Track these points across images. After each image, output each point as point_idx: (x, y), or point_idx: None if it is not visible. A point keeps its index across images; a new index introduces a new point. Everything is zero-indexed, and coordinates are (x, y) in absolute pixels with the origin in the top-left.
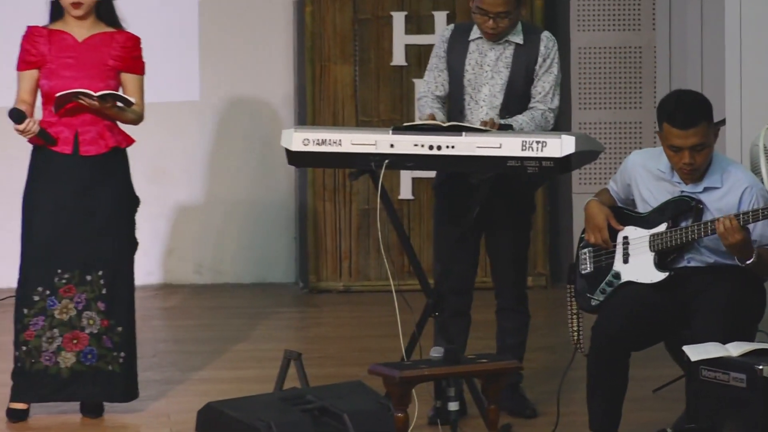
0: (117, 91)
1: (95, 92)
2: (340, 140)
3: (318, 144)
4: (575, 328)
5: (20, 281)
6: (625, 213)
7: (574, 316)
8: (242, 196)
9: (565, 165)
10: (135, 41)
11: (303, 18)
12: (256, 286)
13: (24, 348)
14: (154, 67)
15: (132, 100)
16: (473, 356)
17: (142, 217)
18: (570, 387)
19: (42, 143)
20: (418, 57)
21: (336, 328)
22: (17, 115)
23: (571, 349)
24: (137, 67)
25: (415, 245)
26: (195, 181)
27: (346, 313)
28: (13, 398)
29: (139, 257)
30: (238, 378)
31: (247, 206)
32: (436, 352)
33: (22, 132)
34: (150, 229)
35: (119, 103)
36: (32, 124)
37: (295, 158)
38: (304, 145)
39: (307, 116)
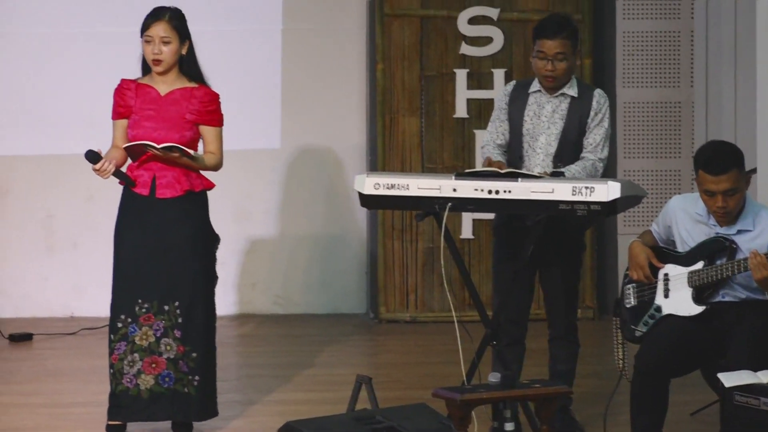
0: (195, 140)
1: (167, 143)
2: (407, 185)
3: (388, 188)
4: (620, 357)
5: (110, 309)
6: (665, 252)
7: (620, 346)
8: (319, 235)
9: (611, 208)
10: (212, 96)
11: (375, 75)
12: (330, 317)
13: (111, 371)
14: (241, 118)
15: (192, 152)
16: (527, 381)
17: (228, 253)
18: (615, 410)
19: (124, 184)
20: (479, 110)
21: (403, 355)
22: (92, 156)
23: (616, 375)
24: (214, 119)
25: (475, 280)
26: (276, 221)
27: (412, 342)
28: (109, 417)
29: (224, 289)
30: (313, 400)
31: (323, 244)
32: (494, 378)
33: (98, 171)
34: (235, 264)
35: (185, 157)
36: (107, 164)
37: (367, 201)
38: (375, 189)
39: (377, 163)
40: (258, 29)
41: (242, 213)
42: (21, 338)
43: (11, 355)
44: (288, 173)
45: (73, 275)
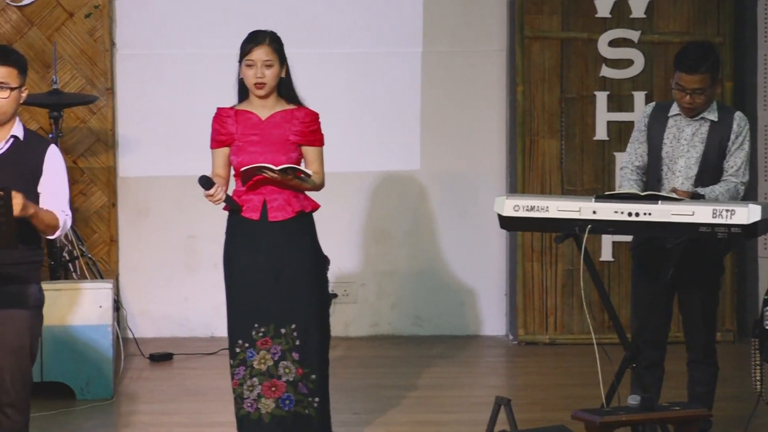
0: (299, 162)
1: (277, 166)
2: (547, 207)
3: (527, 210)
4: (758, 378)
5: (228, 335)
6: None
7: (758, 368)
8: (458, 257)
9: (751, 231)
10: (313, 117)
11: (515, 97)
12: (470, 338)
13: (233, 396)
14: (380, 139)
15: (309, 172)
16: (667, 404)
17: (367, 274)
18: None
19: (230, 209)
20: (619, 132)
21: (542, 377)
22: (206, 182)
23: (755, 398)
24: (316, 140)
25: (615, 303)
26: (416, 242)
27: (552, 364)
28: None
29: (363, 310)
30: (452, 421)
31: (463, 266)
32: (633, 400)
33: (210, 197)
34: (374, 285)
35: (302, 174)
36: (219, 191)
37: (507, 223)
38: (515, 211)
39: (517, 185)
40: (398, 52)
41: (382, 234)
42: (161, 358)
43: (152, 374)
44: (427, 195)
45: (214, 295)
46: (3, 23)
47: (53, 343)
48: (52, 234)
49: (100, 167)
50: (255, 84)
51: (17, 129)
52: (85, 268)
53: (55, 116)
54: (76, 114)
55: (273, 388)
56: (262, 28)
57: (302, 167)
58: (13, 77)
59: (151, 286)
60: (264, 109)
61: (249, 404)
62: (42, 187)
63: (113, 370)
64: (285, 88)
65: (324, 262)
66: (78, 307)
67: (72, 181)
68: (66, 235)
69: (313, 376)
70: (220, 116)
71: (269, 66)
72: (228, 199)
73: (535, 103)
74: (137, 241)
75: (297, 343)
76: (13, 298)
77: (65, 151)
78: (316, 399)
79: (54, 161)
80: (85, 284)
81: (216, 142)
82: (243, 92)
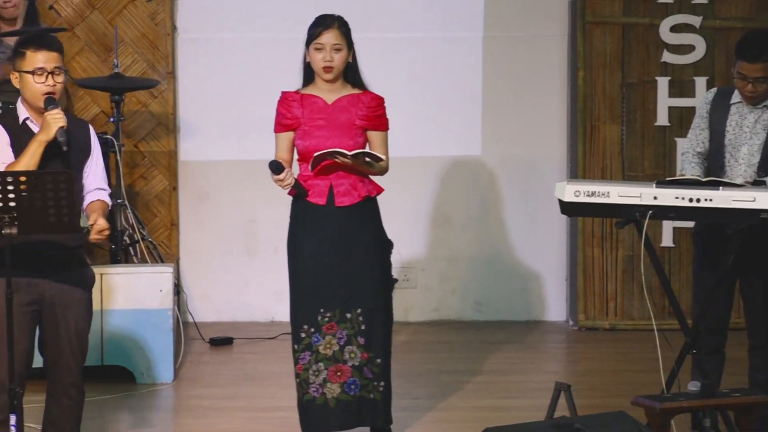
0: (364, 146)
1: (344, 150)
2: (608, 192)
3: (588, 195)
4: None
5: (291, 320)
6: None
7: None
8: (518, 242)
9: None
10: (379, 101)
11: (576, 83)
12: (530, 324)
13: (297, 381)
14: (442, 125)
15: (381, 156)
16: (727, 390)
17: (428, 259)
18: None
19: (296, 194)
20: (680, 118)
21: (602, 363)
22: (276, 167)
23: None
24: (381, 124)
25: (675, 289)
26: (475, 228)
27: (612, 349)
28: (302, 428)
29: (424, 295)
30: (512, 406)
31: (523, 251)
32: (694, 386)
33: (280, 182)
34: (435, 270)
35: (368, 159)
36: (289, 176)
37: (567, 208)
38: (576, 196)
39: (578, 170)
40: (459, 37)
41: (443, 219)
42: (222, 342)
43: (212, 359)
44: (488, 179)
45: (274, 280)
46: (65, 7)
47: (114, 327)
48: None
49: (161, 151)
50: (324, 67)
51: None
52: (145, 252)
53: (117, 100)
54: (137, 98)
55: (338, 373)
56: (327, 13)
57: (372, 152)
58: (61, 60)
59: (212, 271)
60: (330, 93)
61: (314, 389)
62: (89, 167)
63: (173, 354)
64: (351, 73)
65: (388, 246)
66: (138, 291)
67: (132, 165)
68: (127, 219)
69: (378, 360)
70: (286, 100)
71: (338, 50)
72: (296, 184)
73: (596, 89)
74: (198, 225)
75: (362, 327)
76: (77, 281)
77: (126, 135)
78: (381, 383)
79: (95, 140)
80: (145, 268)
81: (281, 126)
82: (308, 76)
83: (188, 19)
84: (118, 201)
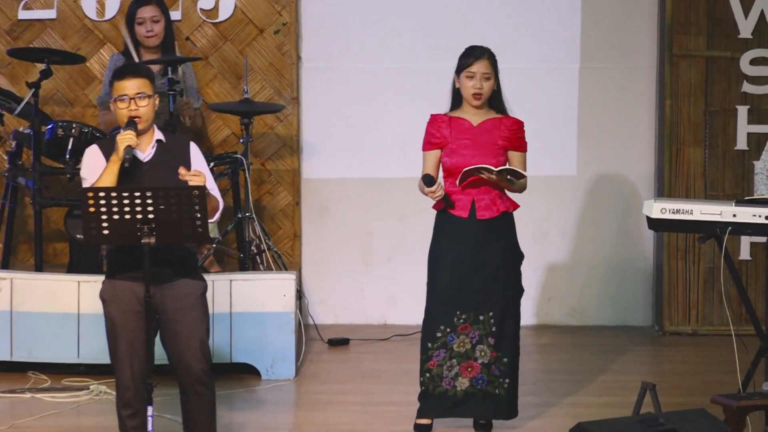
0: (506, 165)
1: (495, 167)
2: (691, 210)
3: (673, 213)
4: None
5: (425, 320)
6: None
7: None
8: (609, 255)
9: None
10: (519, 125)
11: (663, 109)
12: (618, 329)
13: (428, 375)
14: (540, 147)
15: (524, 173)
16: None
17: (528, 269)
18: None
19: (443, 207)
20: (758, 143)
21: (684, 365)
22: (429, 180)
23: None
24: (521, 146)
25: (751, 298)
26: (571, 241)
27: (693, 352)
28: (419, 415)
29: (525, 302)
30: (602, 403)
31: (613, 263)
32: (767, 387)
33: (431, 194)
34: (534, 279)
35: (509, 176)
36: (439, 189)
37: (654, 224)
38: (662, 213)
39: (664, 190)
40: (558, 68)
41: (541, 233)
42: (339, 343)
43: (330, 357)
44: (582, 198)
45: (387, 287)
46: (200, 38)
47: (241, 327)
48: (213, 216)
49: (286, 169)
50: (474, 94)
51: (158, 134)
52: (271, 261)
53: (246, 123)
54: (264, 121)
55: (469, 369)
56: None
57: (516, 169)
58: (147, 87)
59: (330, 278)
60: (476, 116)
61: (447, 382)
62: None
63: (295, 353)
64: (496, 100)
65: (520, 257)
66: (264, 296)
67: (260, 182)
68: (254, 231)
69: (505, 359)
70: (436, 121)
71: (487, 78)
72: (445, 197)
73: (681, 116)
74: (318, 236)
75: (493, 329)
76: (189, 288)
77: (254, 155)
78: (507, 380)
79: (197, 153)
80: (270, 275)
81: (430, 144)
82: (457, 100)
83: (311, 49)
84: (246, 214)
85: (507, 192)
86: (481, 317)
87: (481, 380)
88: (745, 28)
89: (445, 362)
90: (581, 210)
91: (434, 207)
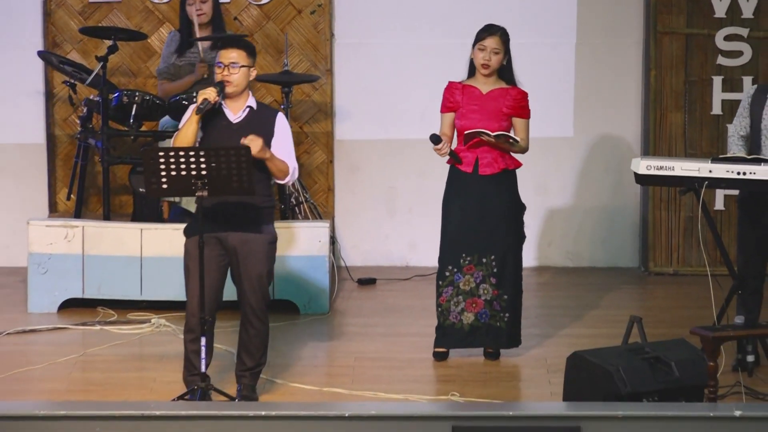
0: (508, 130)
1: (492, 132)
2: (673, 167)
3: (657, 169)
4: None
5: (439, 260)
6: None
7: None
8: (601, 205)
9: None
10: (524, 95)
11: (649, 79)
12: (609, 269)
13: (439, 309)
14: (542, 112)
15: (517, 139)
16: (765, 322)
17: (530, 218)
18: None
19: (452, 162)
20: (730, 108)
21: (666, 301)
22: (435, 138)
23: None
24: (524, 113)
25: (725, 243)
26: (568, 194)
27: (674, 290)
28: (436, 344)
29: (528, 246)
30: (595, 334)
31: (605, 213)
32: (739, 319)
33: (438, 150)
34: (536, 226)
35: (510, 140)
36: (445, 146)
37: (641, 179)
38: (647, 169)
39: (649, 149)
40: (558, 43)
41: (542, 187)
42: (367, 282)
43: (359, 294)
44: (578, 156)
45: (409, 234)
46: (246, 18)
47: (283, 270)
48: (283, 179)
49: (321, 132)
50: (482, 65)
51: (251, 101)
52: (308, 211)
53: (286, 91)
54: (302, 90)
55: (474, 305)
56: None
57: (512, 134)
58: (242, 57)
59: (359, 226)
60: (486, 85)
61: (454, 316)
62: (273, 147)
63: (329, 291)
64: (506, 72)
65: (521, 208)
66: (302, 242)
67: (298, 142)
68: (293, 185)
69: (506, 297)
70: (451, 88)
71: (496, 53)
72: (452, 153)
73: (664, 85)
74: (349, 190)
75: (495, 270)
76: (255, 235)
77: (293, 119)
78: (507, 314)
79: (282, 125)
80: (308, 223)
81: (445, 107)
82: (471, 70)
83: (343, 27)
84: None
85: (511, 152)
86: (484, 260)
87: (484, 315)
88: (720, 8)
89: (453, 298)
90: (577, 167)
91: (447, 162)
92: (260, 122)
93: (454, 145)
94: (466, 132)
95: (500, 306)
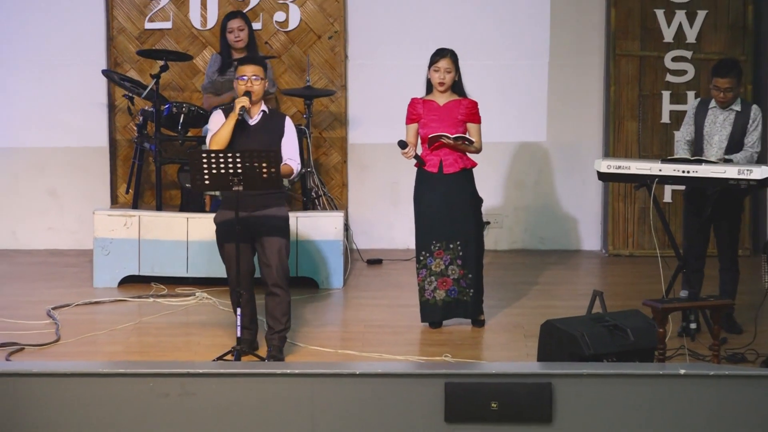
0: (464, 133)
1: (452, 135)
2: (629, 166)
3: (616, 168)
4: (766, 280)
5: (415, 247)
6: None
7: (766, 273)
8: (569, 198)
9: (764, 183)
10: (474, 104)
11: (609, 94)
12: (576, 252)
13: (418, 287)
14: (519, 121)
15: (472, 139)
16: (705, 296)
17: (509, 209)
18: (765, 314)
19: (417, 165)
20: (677, 118)
21: (624, 277)
22: (402, 144)
23: (764, 291)
24: (476, 119)
25: (672, 230)
26: (540, 188)
27: (630, 269)
28: (421, 319)
29: (506, 233)
30: (563, 306)
31: (572, 203)
32: (684, 294)
33: (405, 154)
34: (514, 216)
35: (467, 142)
36: (411, 150)
37: (602, 176)
38: (608, 168)
39: (609, 151)
40: (533, 63)
41: (519, 182)
42: (374, 262)
43: (368, 272)
44: (550, 157)
45: (410, 222)
46: (275, 42)
47: (305, 251)
48: (289, 177)
49: (336, 137)
50: (438, 83)
51: (264, 107)
52: (326, 203)
53: (308, 104)
54: (321, 102)
55: (444, 283)
56: (453, 47)
57: (467, 136)
58: (260, 72)
59: (369, 215)
60: (442, 98)
61: (428, 294)
62: (284, 143)
63: (343, 269)
64: (458, 87)
65: (479, 201)
66: (321, 228)
67: (318, 146)
68: (313, 181)
69: (470, 275)
70: (414, 103)
71: (449, 72)
72: (417, 157)
73: (621, 98)
74: (360, 185)
75: (460, 253)
76: (276, 216)
77: (314, 126)
78: (471, 290)
79: (290, 127)
80: (325, 213)
81: (410, 119)
82: (429, 87)
83: (355, 50)
84: (308, 169)
85: (468, 154)
86: (451, 245)
87: (453, 291)
88: (668, 34)
89: (427, 278)
90: (549, 166)
91: (415, 165)
92: (273, 124)
93: (419, 151)
94: (429, 136)
95: (466, 283)
